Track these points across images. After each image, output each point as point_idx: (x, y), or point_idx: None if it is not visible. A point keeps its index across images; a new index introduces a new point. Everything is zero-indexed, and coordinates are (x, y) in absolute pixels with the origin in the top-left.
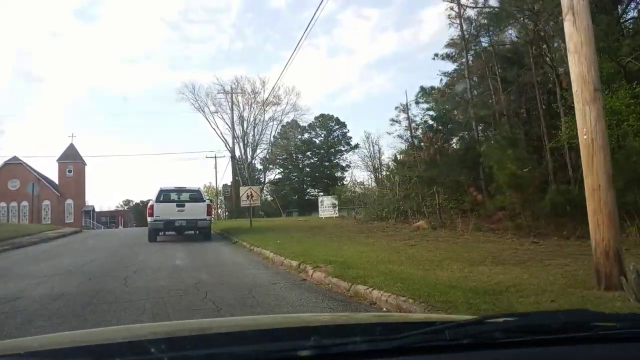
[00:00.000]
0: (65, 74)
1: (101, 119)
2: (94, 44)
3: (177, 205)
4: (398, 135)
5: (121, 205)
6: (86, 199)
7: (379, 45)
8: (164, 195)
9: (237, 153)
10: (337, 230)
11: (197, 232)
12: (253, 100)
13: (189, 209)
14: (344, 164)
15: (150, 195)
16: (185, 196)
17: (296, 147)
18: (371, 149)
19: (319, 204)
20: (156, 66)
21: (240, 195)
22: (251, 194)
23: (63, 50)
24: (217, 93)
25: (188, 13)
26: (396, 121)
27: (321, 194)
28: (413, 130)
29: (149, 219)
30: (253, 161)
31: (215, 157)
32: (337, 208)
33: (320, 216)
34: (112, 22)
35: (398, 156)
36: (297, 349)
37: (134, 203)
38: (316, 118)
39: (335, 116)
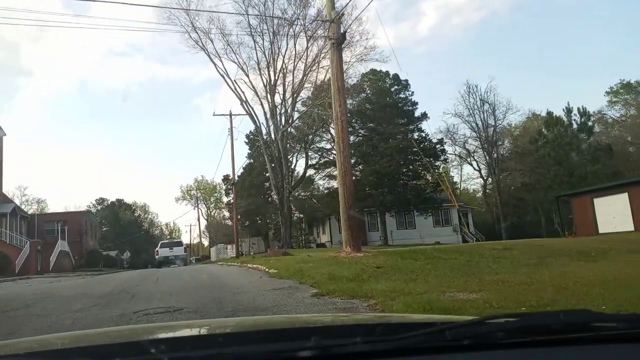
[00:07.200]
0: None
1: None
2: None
3: (169, 249)
4: None
5: (93, 205)
6: (5, 192)
7: None
8: (163, 245)
9: (262, 119)
10: None
11: (180, 262)
12: (287, 21)
13: (175, 250)
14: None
15: (129, 193)
16: (173, 244)
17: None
18: (481, 112)
19: None
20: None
21: None
22: None
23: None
24: None
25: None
26: None
27: None
28: None
29: (156, 257)
30: (289, 129)
31: (231, 113)
32: None
33: None
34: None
35: None
36: (297, 350)
37: (109, 202)
38: (364, 75)
39: (391, 72)
